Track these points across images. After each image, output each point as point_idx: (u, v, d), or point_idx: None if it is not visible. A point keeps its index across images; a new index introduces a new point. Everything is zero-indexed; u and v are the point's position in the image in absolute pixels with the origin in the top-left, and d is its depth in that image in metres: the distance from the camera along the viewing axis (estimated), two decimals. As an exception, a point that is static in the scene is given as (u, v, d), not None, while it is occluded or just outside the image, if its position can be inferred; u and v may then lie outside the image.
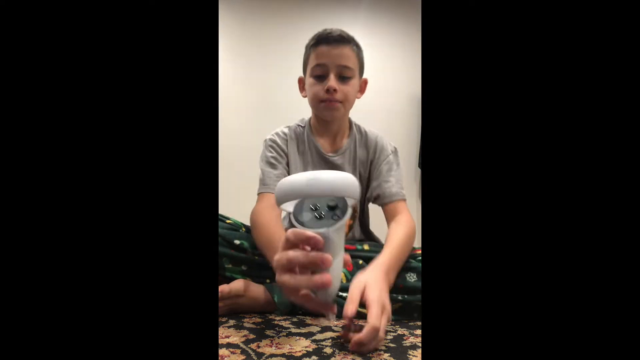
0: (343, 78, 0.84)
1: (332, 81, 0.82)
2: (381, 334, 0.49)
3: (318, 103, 0.86)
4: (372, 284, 0.54)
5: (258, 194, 0.84)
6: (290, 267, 0.43)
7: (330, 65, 0.83)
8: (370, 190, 0.91)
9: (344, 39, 0.83)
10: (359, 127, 0.95)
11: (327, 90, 0.83)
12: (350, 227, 0.93)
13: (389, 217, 0.86)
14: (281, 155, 0.88)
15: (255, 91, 2.55)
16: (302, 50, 0.90)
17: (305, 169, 0.89)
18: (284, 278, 0.43)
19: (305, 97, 0.92)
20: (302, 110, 1.05)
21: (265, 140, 0.91)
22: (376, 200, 0.89)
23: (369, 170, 0.92)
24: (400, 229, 0.76)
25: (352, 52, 0.85)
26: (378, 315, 0.49)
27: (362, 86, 0.91)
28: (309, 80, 0.87)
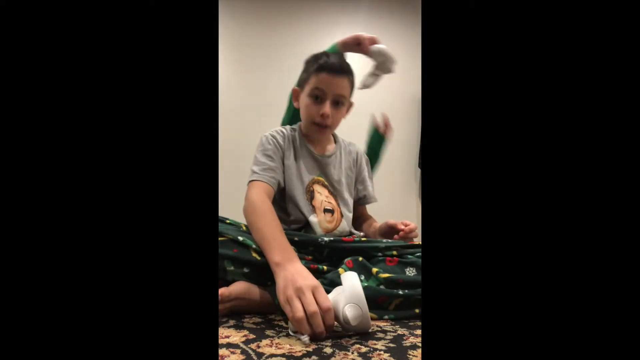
0: (336, 103, 0.95)
1: (327, 108, 0.93)
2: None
3: (311, 123, 0.97)
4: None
5: (250, 181, 0.89)
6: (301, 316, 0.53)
7: (328, 92, 0.93)
8: (357, 191, 1.08)
9: (344, 71, 0.94)
10: (341, 139, 1.10)
11: (322, 115, 0.93)
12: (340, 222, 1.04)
13: (364, 214, 1.10)
14: (278, 149, 0.97)
15: (256, 93, 2.55)
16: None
17: (298, 165, 1.00)
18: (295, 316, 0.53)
19: (298, 108, 1.02)
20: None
21: (265, 135, 0.99)
22: (361, 199, 1.08)
23: (355, 175, 1.07)
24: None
25: (348, 83, 0.95)
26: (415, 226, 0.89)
27: (349, 108, 1.03)
28: (305, 99, 0.97)
